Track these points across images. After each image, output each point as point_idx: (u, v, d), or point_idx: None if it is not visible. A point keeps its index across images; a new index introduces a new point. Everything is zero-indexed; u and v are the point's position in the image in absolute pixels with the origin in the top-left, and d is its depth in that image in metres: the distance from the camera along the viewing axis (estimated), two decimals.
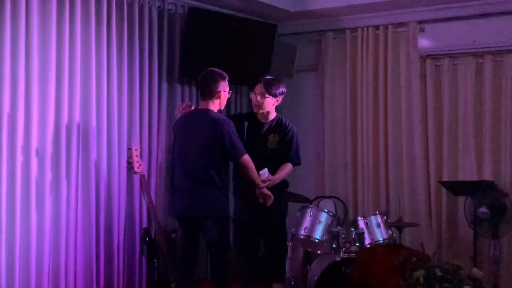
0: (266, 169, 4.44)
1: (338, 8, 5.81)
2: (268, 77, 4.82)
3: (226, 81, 4.22)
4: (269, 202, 4.34)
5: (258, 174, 4.37)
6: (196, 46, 5.35)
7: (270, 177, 4.47)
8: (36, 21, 4.38)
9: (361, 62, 6.01)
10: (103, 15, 4.77)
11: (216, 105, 4.20)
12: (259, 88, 4.70)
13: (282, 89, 4.75)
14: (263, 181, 4.37)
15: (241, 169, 4.29)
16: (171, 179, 4.21)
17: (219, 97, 4.18)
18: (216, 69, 4.25)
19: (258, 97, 4.67)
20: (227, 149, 4.08)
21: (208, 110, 4.14)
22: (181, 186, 4.08)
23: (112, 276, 4.88)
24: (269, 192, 4.35)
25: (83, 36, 4.66)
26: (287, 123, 4.76)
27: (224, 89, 4.20)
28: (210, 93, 4.15)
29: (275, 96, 4.69)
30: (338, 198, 6.08)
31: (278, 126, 4.73)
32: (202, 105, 4.21)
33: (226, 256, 4.18)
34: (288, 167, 4.68)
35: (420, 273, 4.05)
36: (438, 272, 4.01)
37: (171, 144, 4.69)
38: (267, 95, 4.65)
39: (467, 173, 5.53)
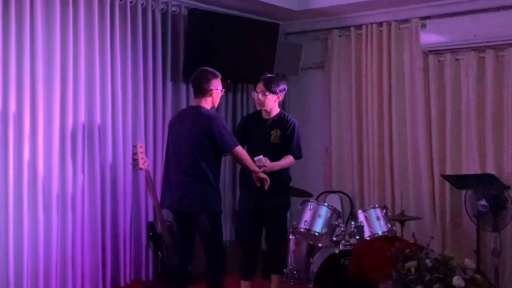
0: (261, 156, 4.53)
1: (342, 6, 5.91)
2: (268, 75, 4.91)
3: (218, 79, 4.31)
4: (266, 185, 4.43)
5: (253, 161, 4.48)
6: (199, 46, 5.48)
7: (267, 163, 4.55)
8: (40, 24, 4.56)
9: (366, 59, 6.10)
10: (106, 18, 4.95)
11: (208, 103, 4.30)
12: (259, 86, 4.80)
13: (283, 86, 4.84)
14: (259, 167, 4.49)
15: (236, 161, 4.39)
16: (165, 174, 4.34)
17: (211, 95, 4.28)
18: (208, 68, 4.35)
19: (260, 95, 4.78)
20: (218, 143, 4.17)
21: (199, 107, 4.25)
22: (175, 180, 4.20)
23: (119, 269, 5.06)
24: (265, 175, 4.45)
25: (87, 38, 4.85)
26: (288, 117, 4.84)
27: (216, 87, 4.29)
28: (202, 91, 4.26)
29: (275, 93, 4.78)
30: (344, 193, 6.18)
31: (280, 121, 4.81)
32: (194, 103, 4.33)
33: (219, 248, 4.27)
34: (288, 159, 4.72)
35: (411, 264, 4.12)
36: (429, 263, 4.08)
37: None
38: (267, 93, 4.75)
39: (470, 167, 5.56)
